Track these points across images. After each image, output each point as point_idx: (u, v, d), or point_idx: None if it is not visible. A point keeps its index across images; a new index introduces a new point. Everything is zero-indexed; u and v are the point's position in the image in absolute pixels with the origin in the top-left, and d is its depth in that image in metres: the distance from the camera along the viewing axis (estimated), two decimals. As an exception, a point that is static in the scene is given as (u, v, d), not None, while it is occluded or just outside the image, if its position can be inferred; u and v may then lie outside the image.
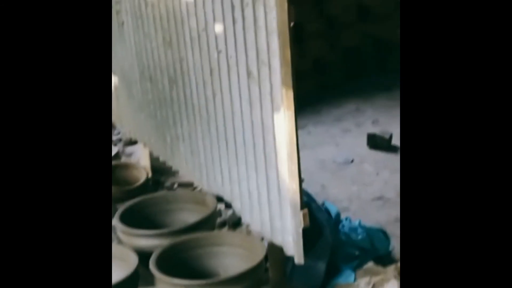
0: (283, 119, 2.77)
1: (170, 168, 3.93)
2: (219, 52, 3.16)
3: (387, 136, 4.44)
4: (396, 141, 4.48)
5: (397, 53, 5.64)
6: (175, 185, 4.28)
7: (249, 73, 2.96)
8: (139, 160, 4.36)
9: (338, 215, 3.40)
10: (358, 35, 5.61)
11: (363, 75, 5.62)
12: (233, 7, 2.97)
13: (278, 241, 2.92)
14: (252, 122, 3.02)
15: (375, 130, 4.61)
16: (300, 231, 2.77)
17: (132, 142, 4.57)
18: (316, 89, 5.23)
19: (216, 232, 3.47)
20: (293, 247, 2.81)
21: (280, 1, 2.68)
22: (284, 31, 2.69)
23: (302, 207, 2.82)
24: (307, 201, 3.19)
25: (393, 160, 4.28)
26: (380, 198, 3.87)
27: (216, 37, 3.16)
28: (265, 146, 2.95)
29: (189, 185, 4.17)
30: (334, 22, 5.51)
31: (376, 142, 4.44)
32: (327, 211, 3.38)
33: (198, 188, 3.90)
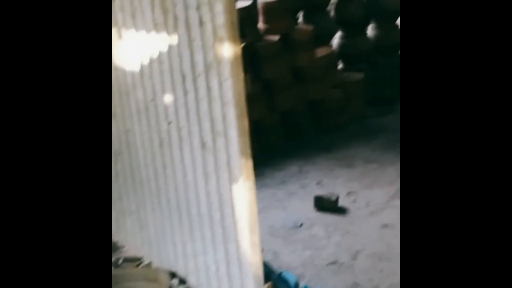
0: (242, 190, 2.70)
1: (116, 243, 3.77)
2: (169, 123, 3.08)
3: (334, 198, 4.42)
4: (342, 202, 4.46)
5: (331, 113, 5.70)
6: (121, 261, 4.10)
7: (203, 144, 2.89)
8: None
9: (296, 284, 3.32)
10: (294, 97, 5.64)
11: (301, 136, 5.63)
12: (184, 77, 2.91)
13: (242, 317, 2.81)
14: (208, 194, 2.94)
15: (321, 191, 4.58)
16: (266, 306, 2.68)
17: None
18: (257, 152, 5.18)
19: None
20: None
21: (235, 71, 2.64)
22: (240, 101, 2.64)
23: (265, 281, 2.73)
24: (267, 272, 3.10)
25: (343, 222, 4.25)
26: (334, 262, 3.81)
27: (165, 108, 3.08)
28: (223, 219, 2.86)
29: (135, 260, 4.01)
30: (270, 85, 5.52)
31: (323, 204, 4.41)
32: (285, 281, 3.30)
33: (146, 263, 3.75)
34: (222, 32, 2.65)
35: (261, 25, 5.66)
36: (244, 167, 2.65)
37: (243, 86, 2.63)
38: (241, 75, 2.63)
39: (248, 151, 2.65)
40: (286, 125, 5.65)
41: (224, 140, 2.71)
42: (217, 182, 2.80)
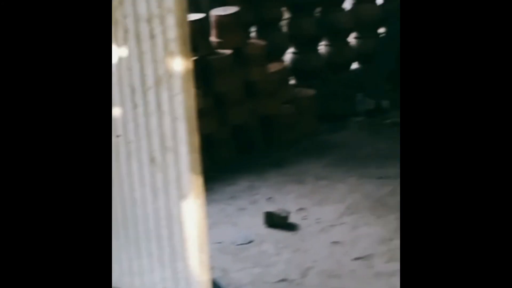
0: (192, 208, 2.64)
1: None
2: (117, 137, 3.01)
3: (284, 214, 4.39)
4: (293, 219, 4.43)
5: (282, 129, 5.69)
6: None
7: (152, 159, 2.82)
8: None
9: (245, 302, 3.27)
10: (246, 112, 5.60)
11: (253, 151, 5.59)
12: (133, 90, 2.84)
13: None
14: (156, 210, 2.87)
15: (271, 207, 4.55)
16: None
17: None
18: (207, 167, 5.12)
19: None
20: None
21: (186, 86, 2.59)
22: (191, 116, 2.59)
23: (214, 300, 2.67)
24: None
25: (293, 239, 4.22)
26: (284, 280, 3.78)
27: (114, 121, 3.00)
28: (172, 236, 2.80)
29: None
30: (222, 99, 5.48)
31: (274, 221, 4.37)
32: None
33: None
34: (174, 46, 2.60)
35: (213, 38, 5.62)
36: (194, 184, 2.60)
37: (194, 101, 2.59)
38: (192, 90, 2.58)
39: (198, 167, 2.60)
40: (238, 140, 5.61)
41: (173, 156, 2.66)
42: (166, 198, 2.74)
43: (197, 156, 2.61)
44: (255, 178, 5.11)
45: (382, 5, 6.96)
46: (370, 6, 6.83)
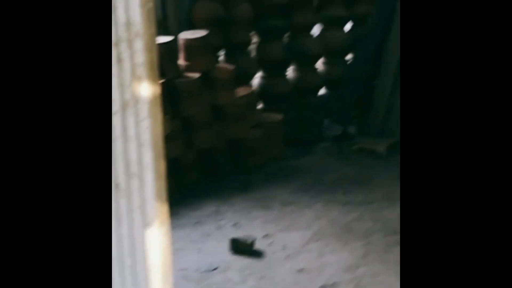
0: (156, 236, 2.59)
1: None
2: (81, 162, 2.95)
3: (250, 241, 4.34)
4: (258, 245, 4.39)
5: (249, 153, 5.66)
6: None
7: (116, 185, 2.76)
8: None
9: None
10: (213, 136, 5.57)
11: (219, 175, 5.54)
12: (99, 115, 2.78)
13: None
14: (119, 238, 2.80)
15: (237, 233, 4.50)
16: None
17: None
18: (172, 191, 5.05)
19: None
20: None
21: (154, 112, 2.54)
22: (158, 143, 2.54)
23: (177, 331, 2.61)
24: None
25: (258, 266, 4.17)
26: (249, 308, 3.73)
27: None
28: (135, 265, 2.73)
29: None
30: (190, 123, 5.44)
31: (239, 247, 4.32)
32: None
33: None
34: (141, 70, 2.56)
35: (181, 61, 5.59)
36: (159, 211, 2.55)
37: (161, 128, 2.54)
38: (159, 115, 2.54)
39: (164, 195, 2.55)
40: (204, 164, 5.56)
41: (138, 183, 2.60)
42: (130, 226, 2.67)
43: (163, 183, 2.56)
44: (221, 203, 5.06)
45: (350, 32, 7.01)
46: (338, 32, 6.88)
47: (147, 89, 2.55)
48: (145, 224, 2.62)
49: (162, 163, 2.54)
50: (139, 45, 2.57)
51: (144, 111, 2.56)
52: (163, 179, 2.55)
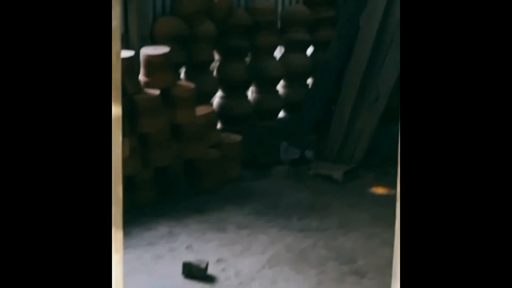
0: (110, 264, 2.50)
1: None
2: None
3: (203, 265, 4.26)
4: (211, 270, 4.31)
5: (206, 174, 5.58)
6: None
7: (70, 207, 2.66)
8: None
9: None
10: (170, 154, 5.48)
11: (175, 195, 5.45)
12: (55, 133, 2.69)
13: None
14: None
15: (190, 256, 4.41)
16: None
17: None
18: (126, 209, 4.93)
19: None
20: None
21: (114, 134, 2.46)
22: (116, 166, 2.46)
23: None
24: None
25: (211, 291, 4.09)
26: (199, 336, 3.64)
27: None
28: (85, 291, 2.63)
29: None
30: (147, 140, 5.34)
31: (192, 272, 4.24)
32: None
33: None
34: (102, 90, 2.47)
35: (142, 77, 5.50)
36: (114, 238, 2.45)
37: (120, 150, 2.46)
38: (120, 138, 2.45)
39: (120, 221, 2.46)
40: (160, 183, 5.47)
41: (94, 206, 2.51)
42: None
43: (119, 209, 2.47)
44: (175, 224, 4.97)
45: (311, 56, 7.03)
46: (300, 55, 6.89)
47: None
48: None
49: (119, 187, 2.45)
50: (102, 64, 2.49)
51: (104, 132, 2.48)
52: (120, 204, 2.46)
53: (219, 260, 4.46)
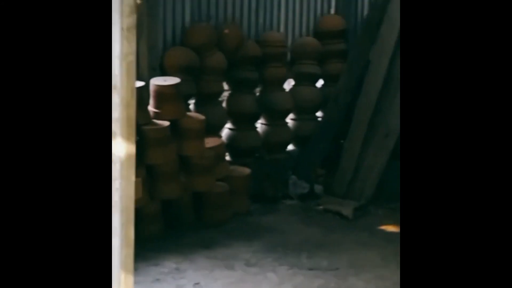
0: (119, 308, 2.39)
1: None
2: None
3: (211, 304, 4.13)
4: (219, 308, 4.18)
5: (214, 207, 5.47)
6: None
7: (78, 247, 2.55)
8: None
9: None
10: (178, 187, 5.37)
11: (182, 229, 5.34)
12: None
13: None
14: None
15: (197, 295, 4.29)
16: None
17: None
18: (131, 243, 4.81)
19: None
20: None
21: (126, 172, 2.36)
22: (128, 206, 2.36)
23: None
24: None
25: (218, 332, 3.96)
26: None
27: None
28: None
29: None
30: (154, 172, 5.25)
31: (200, 311, 4.10)
32: None
33: None
34: (116, 127, 2.39)
35: (151, 108, 5.42)
36: (123, 282, 2.35)
37: (133, 190, 2.36)
38: (132, 177, 2.36)
39: (131, 265, 2.36)
40: (167, 216, 5.36)
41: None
42: (90, 293, 2.48)
43: (130, 252, 2.37)
44: (182, 259, 4.84)
45: (321, 88, 6.95)
46: (309, 88, 6.81)
47: (120, 148, 2.37)
48: (107, 294, 2.41)
49: (131, 230, 2.36)
50: (116, 99, 2.41)
51: (116, 171, 2.38)
52: (131, 247, 2.37)
53: (227, 300, 4.33)
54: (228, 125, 6.40)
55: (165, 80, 5.51)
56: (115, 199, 2.37)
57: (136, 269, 4.52)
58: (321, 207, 6.01)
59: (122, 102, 2.40)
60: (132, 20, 2.36)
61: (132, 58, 2.43)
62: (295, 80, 6.87)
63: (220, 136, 6.10)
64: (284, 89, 6.71)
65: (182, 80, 5.51)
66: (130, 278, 2.37)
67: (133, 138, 2.41)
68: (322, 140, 6.61)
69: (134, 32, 2.36)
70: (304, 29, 6.93)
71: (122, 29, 2.31)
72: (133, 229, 2.38)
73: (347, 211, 5.85)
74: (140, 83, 5.31)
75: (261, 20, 6.59)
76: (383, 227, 5.66)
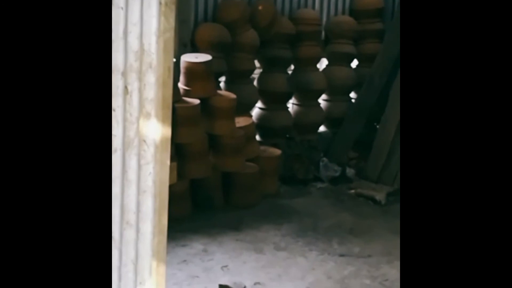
0: (150, 297, 2.28)
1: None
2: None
3: (240, 289, 4.02)
4: (249, 293, 4.07)
5: (243, 188, 5.35)
6: None
7: (108, 232, 2.44)
8: None
9: None
10: (207, 167, 5.25)
11: (210, 209, 5.23)
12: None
13: None
14: (105, 291, 2.47)
15: (226, 278, 4.18)
16: None
17: None
18: (159, 223, 4.71)
19: None
20: None
21: (161, 156, 2.24)
22: (162, 192, 2.24)
23: None
24: None
25: (247, 318, 3.85)
26: None
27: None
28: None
29: None
30: (183, 150, 5.12)
31: (228, 295, 4.00)
32: None
33: None
34: (150, 107, 2.26)
35: (181, 85, 5.29)
36: (155, 271, 2.24)
37: (167, 175, 2.24)
38: (167, 161, 2.23)
39: (164, 253, 2.25)
40: (195, 196, 5.25)
41: (134, 235, 2.29)
42: (118, 282, 2.36)
43: (163, 239, 2.26)
44: (210, 241, 4.73)
45: (356, 69, 6.77)
46: (343, 68, 6.63)
47: (155, 130, 2.24)
48: (137, 283, 2.30)
49: (164, 216, 2.24)
50: (151, 77, 2.28)
51: (149, 154, 2.25)
52: (164, 234, 2.24)
53: (256, 284, 4.21)
54: (259, 104, 6.25)
55: (196, 57, 5.36)
56: (149, 183, 2.24)
57: (163, 250, 4.44)
58: (352, 191, 5.86)
59: (158, 81, 2.27)
60: (170, -6, 2.22)
61: (170, 35, 2.29)
62: (329, 59, 6.69)
63: (250, 116, 5.95)
64: (317, 69, 6.54)
65: (213, 57, 5.36)
66: (163, 267, 2.25)
67: (169, 120, 2.28)
68: (355, 122, 6.44)
69: (173, 7, 2.21)
70: (339, 7, 6.73)
71: (160, 3, 2.16)
72: (167, 216, 2.25)
73: (380, 196, 5.70)
74: (171, 59, 5.17)
75: (295, -3, 6.41)
76: (416, 214, 5.50)
